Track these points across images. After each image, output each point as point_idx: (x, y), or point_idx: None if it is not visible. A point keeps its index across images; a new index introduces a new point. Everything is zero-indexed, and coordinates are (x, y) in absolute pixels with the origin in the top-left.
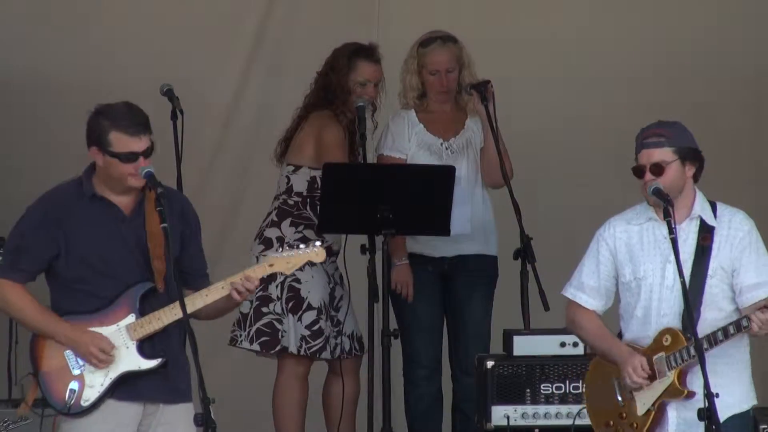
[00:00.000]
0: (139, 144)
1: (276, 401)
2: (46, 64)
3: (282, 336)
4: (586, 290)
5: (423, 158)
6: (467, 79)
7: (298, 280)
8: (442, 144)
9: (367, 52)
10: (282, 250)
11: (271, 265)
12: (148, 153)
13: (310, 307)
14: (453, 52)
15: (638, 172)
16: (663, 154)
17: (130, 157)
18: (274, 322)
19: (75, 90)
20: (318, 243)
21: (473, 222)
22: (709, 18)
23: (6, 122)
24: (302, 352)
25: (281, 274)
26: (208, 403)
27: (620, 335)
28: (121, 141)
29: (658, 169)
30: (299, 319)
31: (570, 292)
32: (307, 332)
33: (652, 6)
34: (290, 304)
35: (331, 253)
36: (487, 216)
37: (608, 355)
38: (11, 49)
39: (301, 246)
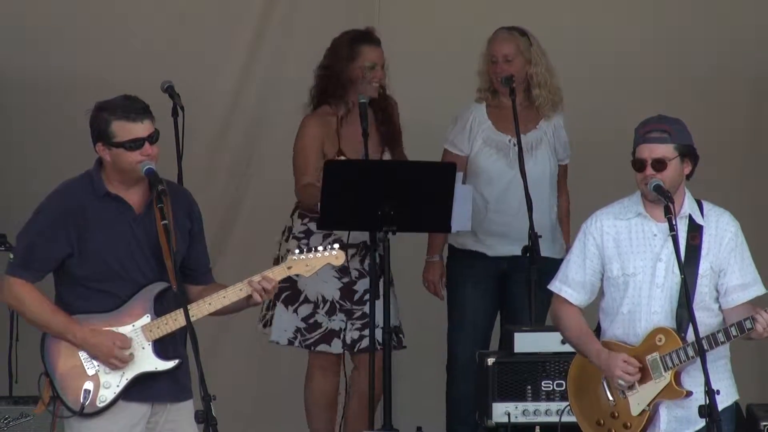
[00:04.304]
0: (141, 129)
1: (304, 394)
2: (47, 64)
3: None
4: (571, 284)
5: (488, 155)
6: (537, 78)
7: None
8: (510, 141)
9: (368, 37)
10: (301, 253)
11: (289, 268)
12: (153, 138)
13: (306, 300)
14: (515, 42)
15: (639, 165)
16: (666, 150)
17: (135, 144)
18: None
19: (76, 89)
20: (336, 245)
21: (538, 223)
22: (709, 19)
23: (7, 121)
24: (297, 344)
25: (299, 276)
26: (208, 400)
27: (598, 329)
28: (124, 129)
29: (660, 165)
30: (295, 311)
31: (555, 286)
32: (303, 324)
33: (653, 6)
34: (284, 295)
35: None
36: (554, 218)
37: (586, 355)
38: (12, 49)
39: (319, 248)
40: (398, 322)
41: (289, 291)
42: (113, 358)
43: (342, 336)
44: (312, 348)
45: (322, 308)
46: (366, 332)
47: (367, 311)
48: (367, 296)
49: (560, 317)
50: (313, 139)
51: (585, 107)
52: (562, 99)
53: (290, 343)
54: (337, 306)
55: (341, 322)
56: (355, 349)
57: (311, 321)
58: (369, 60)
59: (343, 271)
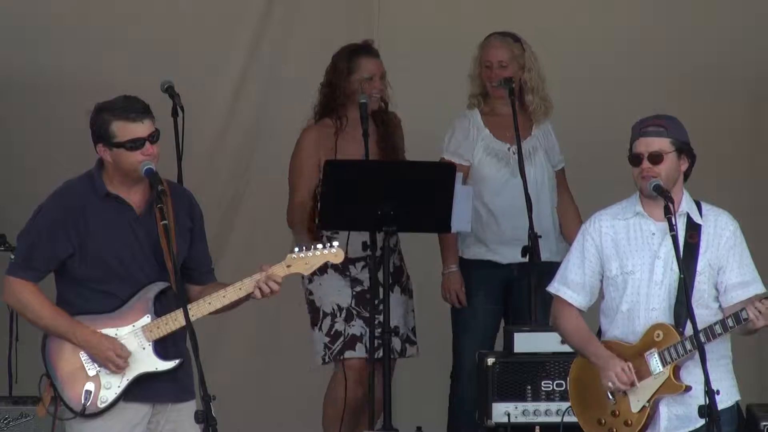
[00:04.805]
0: (142, 129)
1: (329, 401)
2: (47, 64)
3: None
4: (571, 286)
5: (490, 164)
6: (530, 84)
7: (311, 292)
8: (509, 149)
9: (365, 49)
10: (300, 251)
11: (288, 266)
12: (153, 138)
13: (324, 315)
14: (509, 48)
15: (635, 160)
16: (662, 143)
17: (135, 144)
18: None
19: (76, 89)
20: (336, 243)
21: (541, 228)
22: (709, 19)
23: (7, 121)
24: (327, 360)
25: (300, 274)
26: (208, 400)
27: (599, 332)
28: (124, 129)
29: (656, 158)
30: (320, 328)
31: (554, 288)
32: (327, 339)
33: (652, 7)
34: (311, 318)
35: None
36: (556, 223)
37: (586, 356)
38: (12, 49)
39: (318, 246)
40: (410, 329)
41: (312, 314)
42: (108, 361)
43: (364, 341)
44: (339, 357)
45: (340, 316)
46: (379, 342)
47: (382, 319)
48: (380, 306)
49: (559, 319)
50: (310, 152)
51: (585, 107)
52: (552, 105)
53: (324, 361)
54: (354, 312)
55: (361, 328)
56: (375, 356)
57: (332, 332)
58: (367, 72)
59: (354, 281)
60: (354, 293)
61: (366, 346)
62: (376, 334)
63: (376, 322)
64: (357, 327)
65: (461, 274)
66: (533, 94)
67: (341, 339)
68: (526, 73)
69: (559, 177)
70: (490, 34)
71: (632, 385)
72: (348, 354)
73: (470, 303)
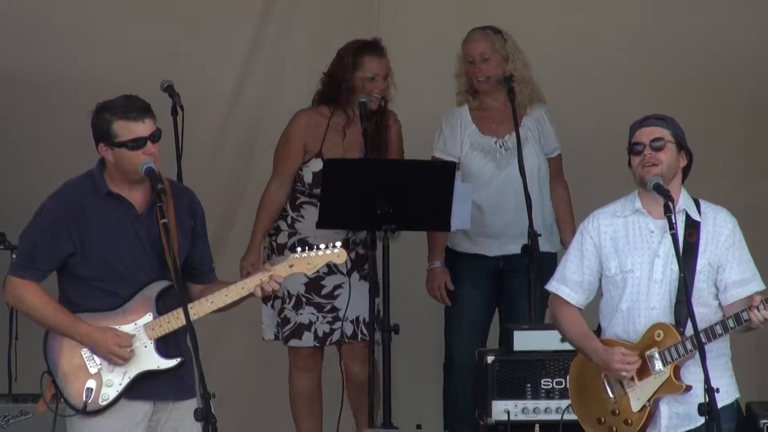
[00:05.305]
0: (143, 128)
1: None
2: (47, 64)
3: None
4: (569, 284)
5: (476, 159)
6: (516, 73)
7: None
8: (496, 143)
9: (372, 47)
10: (303, 251)
11: (291, 266)
12: (155, 137)
13: (276, 296)
14: (489, 41)
15: (636, 149)
16: (663, 132)
17: (137, 143)
18: None
19: (76, 89)
20: (338, 243)
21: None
22: (709, 19)
23: (7, 121)
24: (279, 338)
25: (303, 274)
26: (208, 398)
27: (598, 330)
28: (126, 128)
29: (658, 146)
30: (272, 306)
31: (553, 286)
32: (278, 319)
33: (653, 7)
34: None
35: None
36: (546, 213)
37: (584, 353)
38: (14, 49)
39: (321, 246)
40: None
41: None
42: (112, 354)
43: (313, 329)
44: (285, 343)
45: (289, 303)
46: (336, 326)
47: (337, 305)
48: (337, 291)
49: (558, 318)
50: (297, 134)
51: (583, 108)
52: (542, 93)
53: (276, 337)
54: (304, 300)
55: (311, 315)
56: (327, 343)
57: (282, 315)
58: (370, 71)
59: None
60: (307, 279)
61: (315, 334)
62: (328, 319)
63: (327, 309)
64: (306, 315)
65: (447, 267)
66: (519, 85)
67: (289, 326)
68: (510, 65)
69: (553, 164)
70: (471, 30)
71: (639, 359)
72: (294, 343)
73: (458, 294)
